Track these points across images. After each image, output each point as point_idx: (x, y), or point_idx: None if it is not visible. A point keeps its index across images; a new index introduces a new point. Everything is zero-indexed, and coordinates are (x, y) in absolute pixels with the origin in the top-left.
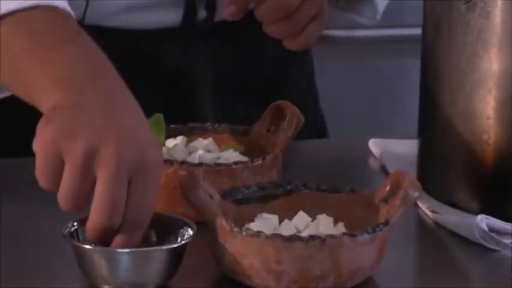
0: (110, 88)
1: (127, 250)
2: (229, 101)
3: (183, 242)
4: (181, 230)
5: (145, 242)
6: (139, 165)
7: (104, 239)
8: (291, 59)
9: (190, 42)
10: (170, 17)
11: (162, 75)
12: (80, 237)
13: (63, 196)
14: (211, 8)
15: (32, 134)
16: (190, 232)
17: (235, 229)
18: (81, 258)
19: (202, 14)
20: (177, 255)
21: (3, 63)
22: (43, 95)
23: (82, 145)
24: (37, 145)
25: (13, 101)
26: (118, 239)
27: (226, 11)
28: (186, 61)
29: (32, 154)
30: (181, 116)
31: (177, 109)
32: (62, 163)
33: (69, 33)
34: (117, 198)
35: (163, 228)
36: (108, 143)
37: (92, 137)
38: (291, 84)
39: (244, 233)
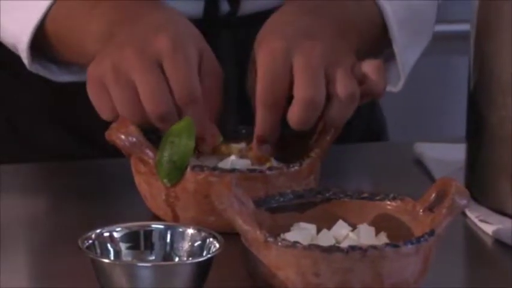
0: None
1: (149, 264)
2: None
3: (208, 256)
4: (208, 243)
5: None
6: (158, 53)
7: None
8: None
9: (213, 34)
10: (191, 8)
11: None
12: (98, 251)
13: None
14: (234, 1)
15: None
16: (217, 245)
17: (270, 239)
18: (100, 272)
19: (225, 7)
20: (202, 270)
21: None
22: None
23: (108, 65)
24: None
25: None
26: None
27: (260, 150)
28: None
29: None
30: None
31: None
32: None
33: None
34: (156, 86)
35: (188, 241)
36: (127, 52)
37: (114, 57)
38: None
39: (279, 244)
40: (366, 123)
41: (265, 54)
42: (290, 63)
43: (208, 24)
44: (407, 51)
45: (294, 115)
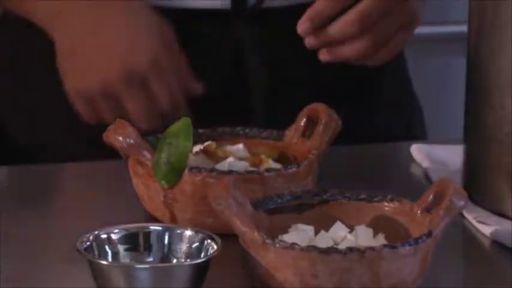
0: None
1: (147, 266)
2: (284, 101)
3: (206, 257)
4: (206, 245)
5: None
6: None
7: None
8: None
9: (240, 26)
10: (219, 0)
11: (205, 60)
12: (96, 252)
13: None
14: None
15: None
16: (215, 246)
17: (268, 241)
18: (98, 274)
19: None
20: (200, 271)
21: None
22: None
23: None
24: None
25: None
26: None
27: (301, 27)
28: (233, 47)
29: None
30: (227, 113)
31: (222, 104)
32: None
33: None
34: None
35: (186, 242)
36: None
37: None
38: (381, 84)
39: (277, 245)
40: (407, 123)
41: None
42: None
43: (235, 16)
44: None
45: None
